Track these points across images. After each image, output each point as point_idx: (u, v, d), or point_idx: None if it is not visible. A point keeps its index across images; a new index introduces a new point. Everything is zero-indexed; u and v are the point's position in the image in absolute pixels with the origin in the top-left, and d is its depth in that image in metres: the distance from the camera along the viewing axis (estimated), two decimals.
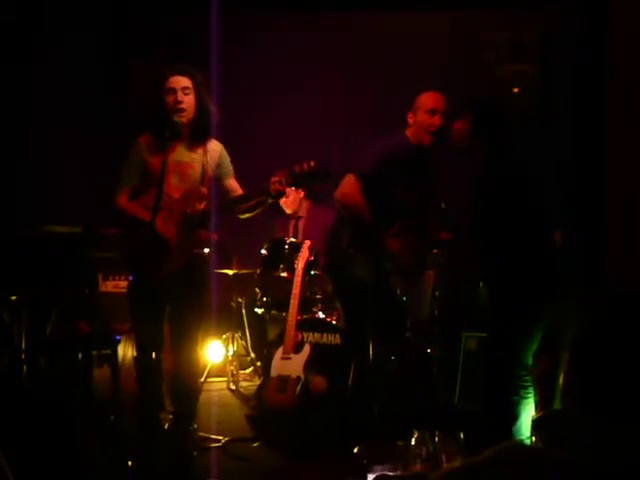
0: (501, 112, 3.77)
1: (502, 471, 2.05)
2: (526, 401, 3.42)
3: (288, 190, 5.20)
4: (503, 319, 3.50)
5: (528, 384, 3.43)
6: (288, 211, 5.51)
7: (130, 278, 3.72)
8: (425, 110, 4.14)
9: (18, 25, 5.29)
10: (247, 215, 3.72)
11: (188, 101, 3.60)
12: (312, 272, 4.82)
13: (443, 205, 4.46)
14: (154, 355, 3.63)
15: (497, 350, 3.58)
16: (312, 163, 3.43)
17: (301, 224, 5.49)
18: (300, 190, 5.44)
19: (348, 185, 4.13)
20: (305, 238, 5.09)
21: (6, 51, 5.21)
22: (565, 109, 5.01)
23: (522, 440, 3.30)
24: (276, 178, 3.48)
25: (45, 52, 5.38)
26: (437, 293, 4.54)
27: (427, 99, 4.17)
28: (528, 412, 3.41)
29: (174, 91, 3.58)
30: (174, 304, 3.67)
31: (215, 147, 3.75)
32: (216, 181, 3.74)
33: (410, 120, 4.21)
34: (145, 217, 3.50)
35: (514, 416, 3.39)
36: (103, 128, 5.52)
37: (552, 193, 3.81)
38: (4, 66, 5.17)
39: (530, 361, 3.45)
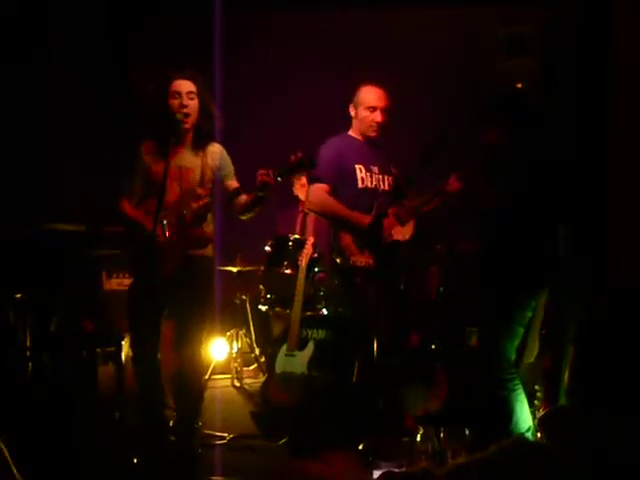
0: (520, 101, 3.79)
1: (507, 467, 2.06)
2: (516, 394, 3.39)
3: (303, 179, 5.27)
4: (486, 310, 3.53)
5: (513, 376, 3.41)
6: (303, 199, 5.45)
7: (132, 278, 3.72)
8: (365, 107, 4.21)
9: (18, 25, 5.28)
10: (246, 215, 3.70)
11: (192, 106, 3.59)
12: (316, 269, 4.82)
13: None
14: (150, 355, 3.60)
15: (481, 343, 3.63)
16: (299, 154, 3.45)
17: (309, 219, 5.45)
18: None
19: (313, 194, 4.18)
20: (314, 233, 5.07)
21: (6, 51, 5.20)
22: (567, 103, 4.99)
23: (524, 435, 3.30)
24: (263, 171, 3.48)
25: (45, 52, 5.36)
26: (441, 289, 4.53)
27: (367, 95, 4.23)
28: (522, 405, 3.39)
29: (179, 95, 3.58)
30: (175, 304, 3.65)
31: (215, 149, 3.74)
32: (218, 183, 3.73)
33: (352, 112, 4.29)
34: (147, 225, 3.50)
35: (509, 411, 3.37)
36: (103, 128, 5.51)
37: (554, 188, 3.80)
38: (4, 66, 5.17)
39: (513, 355, 3.44)
